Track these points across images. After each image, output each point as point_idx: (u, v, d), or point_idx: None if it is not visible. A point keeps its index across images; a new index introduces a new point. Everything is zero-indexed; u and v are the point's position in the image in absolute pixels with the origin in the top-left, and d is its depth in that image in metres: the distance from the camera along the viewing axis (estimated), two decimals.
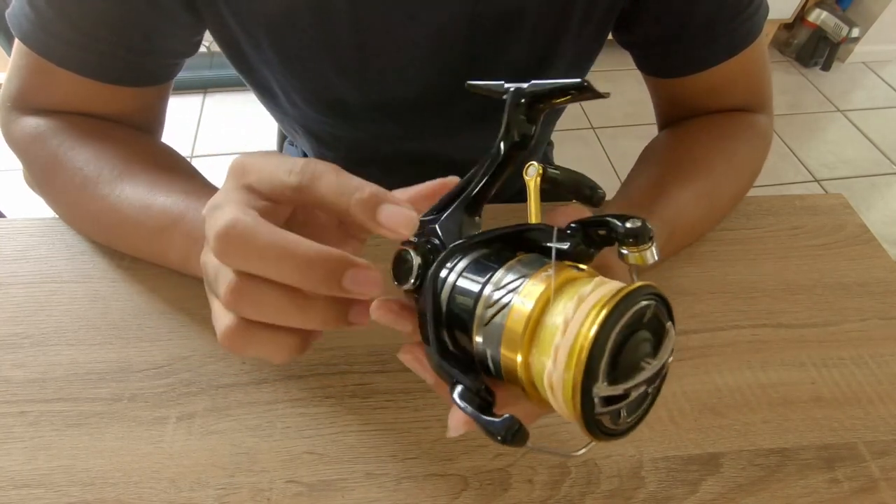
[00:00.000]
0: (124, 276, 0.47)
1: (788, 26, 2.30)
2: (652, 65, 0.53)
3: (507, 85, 0.24)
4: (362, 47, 0.46)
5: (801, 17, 2.21)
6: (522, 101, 0.23)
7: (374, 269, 0.22)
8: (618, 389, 0.18)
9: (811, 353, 0.46)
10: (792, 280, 0.51)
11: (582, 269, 0.21)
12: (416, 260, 0.23)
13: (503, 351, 0.20)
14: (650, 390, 0.20)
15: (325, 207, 0.23)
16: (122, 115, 0.46)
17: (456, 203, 0.24)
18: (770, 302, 0.49)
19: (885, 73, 2.26)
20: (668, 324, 0.19)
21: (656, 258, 0.21)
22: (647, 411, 0.21)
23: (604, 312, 0.17)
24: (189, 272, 0.40)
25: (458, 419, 0.22)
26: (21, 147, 0.45)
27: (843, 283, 0.51)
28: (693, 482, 0.38)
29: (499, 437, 0.20)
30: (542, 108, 0.23)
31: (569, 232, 0.22)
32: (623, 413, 0.19)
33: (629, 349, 0.18)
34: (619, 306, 0.17)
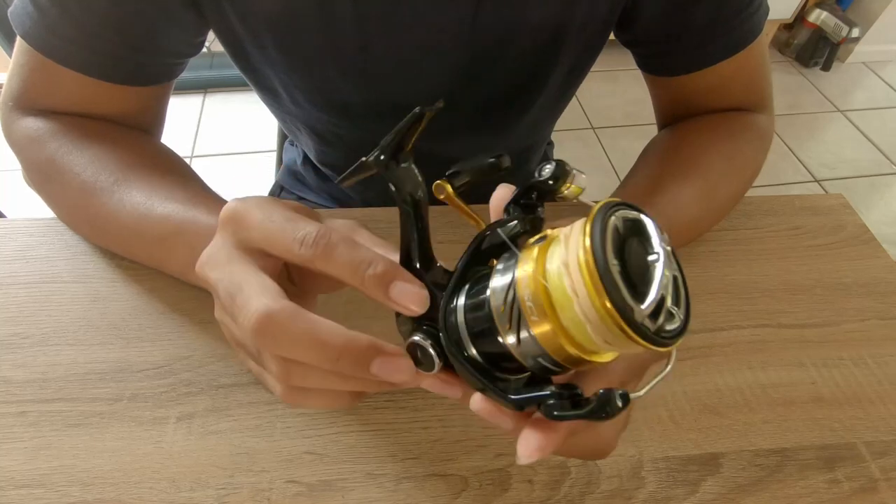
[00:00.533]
0: (124, 276, 0.47)
1: (788, 26, 2.30)
2: (652, 63, 0.53)
3: (370, 158, 0.23)
4: (366, 48, 0.46)
5: (801, 17, 2.21)
6: (391, 162, 0.23)
7: (403, 356, 0.23)
8: (648, 298, 0.17)
9: (811, 353, 0.46)
10: (792, 280, 0.51)
11: (545, 235, 0.20)
12: (427, 342, 0.23)
13: (536, 334, 0.19)
14: (675, 274, 0.19)
15: (338, 278, 0.23)
16: (124, 115, 0.46)
17: (416, 271, 0.24)
18: (770, 302, 0.49)
19: (885, 74, 2.26)
20: (643, 216, 0.19)
21: (584, 180, 0.21)
22: (686, 290, 0.20)
23: (587, 230, 0.17)
24: (189, 281, 0.40)
25: (533, 443, 0.21)
26: (20, 148, 0.45)
27: (843, 283, 0.51)
28: (693, 482, 0.38)
29: (610, 414, 0.19)
30: (406, 154, 0.23)
31: (508, 217, 0.23)
32: (672, 308, 0.18)
33: (632, 260, 0.17)
34: (595, 223, 0.17)
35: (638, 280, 0.17)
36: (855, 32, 2.12)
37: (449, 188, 0.24)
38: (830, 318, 0.48)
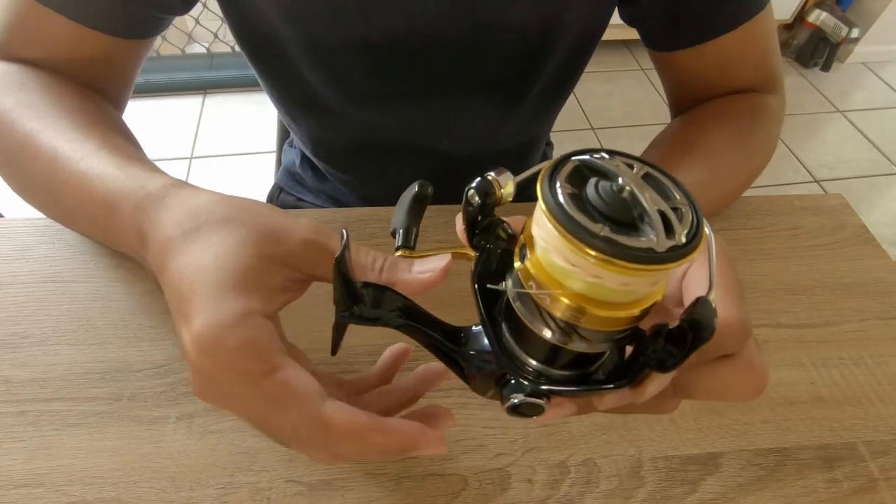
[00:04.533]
0: (124, 276, 0.47)
1: (788, 27, 2.30)
2: (659, 37, 0.52)
3: (339, 321, 0.24)
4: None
5: (800, 17, 2.21)
6: (353, 310, 0.23)
7: (439, 440, 0.22)
8: (640, 222, 0.17)
9: (811, 353, 0.46)
10: (792, 280, 0.51)
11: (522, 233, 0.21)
12: (519, 396, 0.22)
13: (559, 315, 0.19)
14: (649, 171, 0.19)
15: None
16: (101, 70, 0.44)
17: (455, 351, 0.24)
18: (770, 302, 0.49)
19: (884, 74, 2.26)
20: (599, 155, 0.19)
21: (512, 184, 0.21)
22: (675, 182, 0.19)
23: (540, 204, 0.17)
24: (136, 259, 0.36)
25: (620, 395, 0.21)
26: None
27: (843, 283, 0.51)
28: (693, 482, 0.38)
29: (709, 328, 0.18)
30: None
31: (479, 253, 0.22)
32: (673, 223, 0.17)
33: (607, 201, 0.17)
34: (544, 186, 0.17)
35: (621, 214, 0.17)
36: (854, 33, 2.12)
37: (408, 252, 0.24)
38: (830, 318, 0.48)
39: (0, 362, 0.41)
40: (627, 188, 0.17)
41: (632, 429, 0.40)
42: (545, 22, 0.48)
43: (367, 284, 0.23)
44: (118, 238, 0.29)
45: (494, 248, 0.21)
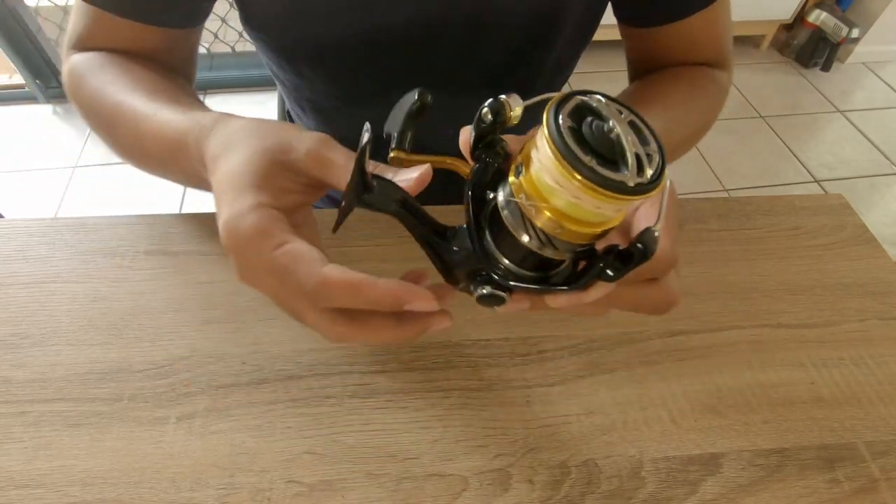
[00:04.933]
0: (124, 275, 0.47)
1: (788, 27, 2.30)
2: (635, 15, 0.54)
3: (344, 201, 0.25)
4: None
5: (800, 17, 2.21)
6: (363, 196, 0.25)
7: (428, 296, 0.25)
8: (620, 160, 0.20)
9: (811, 353, 0.46)
10: (792, 280, 0.51)
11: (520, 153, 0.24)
12: (487, 287, 0.25)
13: (541, 225, 0.22)
14: (633, 119, 0.22)
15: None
16: (155, 55, 0.48)
17: (440, 245, 0.27)
18: (770, 302, 0.49)
19: (884, 74, 2.26)
20: (587, 98, 0.22)
21: (520, 106, 0.24)
22: (649, 127, 0.22)
23: (544, 130, 0.20)
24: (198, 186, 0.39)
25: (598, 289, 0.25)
26: (65, 77, 0.48)
27: (843, 283, 0.51)
28: (693, 482, 0.38)
29: (651, 250, 0.22)
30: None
31: (480, 162, 0.25)
32: (647, 153, 0.21)
33: (596, 137, 0.20)
34: (549, 122, 0.20)
35: (606, 150, 0.20)
36: (855, 33, 2.12)
37: (403, 154, 0.26)
38: (830, 318, 0.48)
39: (0, 363, 0.41)
40: (615, 130, 0.20)
41: (632, 429, 0.40)
42: (551, 6, 0.49)
43: (376, 177, 0.25)
44: (191, 169, 0.34)
45: (493, 161, 0.25)
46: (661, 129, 0.40)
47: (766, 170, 1.84)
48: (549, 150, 0.20)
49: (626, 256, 0.23)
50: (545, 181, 0.21)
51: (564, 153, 0.20)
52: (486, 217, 0.25)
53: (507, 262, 0.25)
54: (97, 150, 1.77)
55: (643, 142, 0.21)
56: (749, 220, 0.55)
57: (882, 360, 0.46)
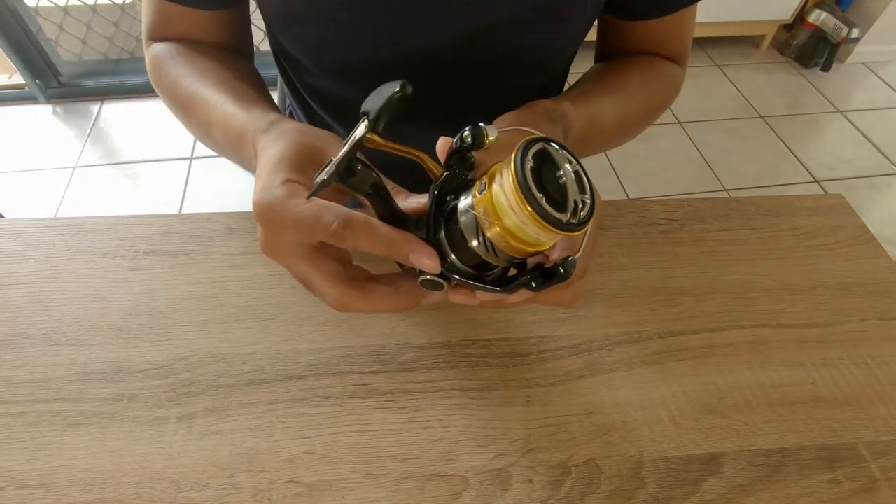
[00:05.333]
0: (124, 276, 0.47)
1: (788, 27, 2.30)
2: (620, 7, 0.54)
3: (325, 174, 0.28)
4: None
5: (800, 17, 2.21)
6: (345, 178, 0.28)
7: (431, 253, 0.28)
8: (567, 206, 0.25)
9: (811, 353, 0.46)
10: (792, 280, 0.51)
11: (486, 171, 0.28)
12: (433, 276, 0.29)
13: (490, 236, 0.27)
14: (577, 170, 0.27)
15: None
16: (213, 37, 0.52)
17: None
18: (770, 302, 0.49)
19: (884, 74, 2.26)
20: (548, 145, 0.26)
21: (495, 134, 0.27)
22: (588, 178, 0.27)
23: (511, 165, 0.25)
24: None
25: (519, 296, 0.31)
26: (149, 70, 0.52)
27: (843, 283, 0.51)
28: (693, 482, 0.38)
29: (569, 273, 0.27)
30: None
31: (452, 169, 0.29)
32: (582, 200, 0.26)
33: (548, 180, 0.25)
34: (516, 159, 0.25)
35: (555, 193, 0.25)
36: (855, 33, 2.12)
37: (377, 138, 0.28)
38: (830, 318, 0.48)
39: (0, 363, 0.41)
40: (563, 179, 0.26)
41: (632, 429, 0.40)
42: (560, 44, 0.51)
43: (359, 160, 0.29)
44: (247, 158, 0.38)
45: (460, 172, 0.29)
46: (617, 107, 0.48)
47: (766, 170, 1.84)
48: (511, 181, 0.25)
49: (549, 274, 0.28)
50: (502, 203, 0.25)
51: (523, 187, 0.24)
52: (444, 215, 0.29)
53: (453, 257, 0.29)
54: (97, 150, 1.77)
55: (582, 190, 0.26)
56: (749, 220, 0.55)
57: (882, 360, 0.46)
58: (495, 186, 0.26)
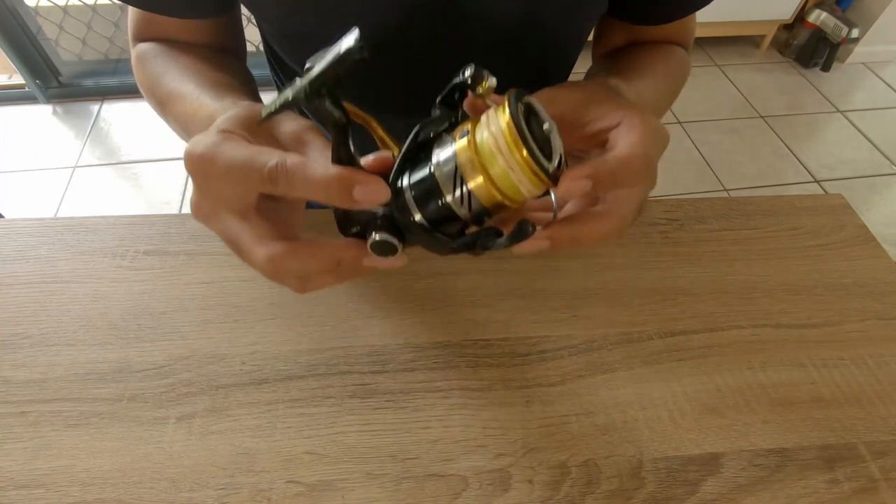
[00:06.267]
0: (124, 276, 0.47)
1: (788, 27, 2.30)
2: (633, 14, 0.54)
3: (291, 93, 0.25)
4: None
5: (800, 17, 2.21)
6: (317, 96, 0.25)
7: (377, 179, 0.25)
8: (554, 155, 0.26)
9: (811, 353, 0.46)
10: (792, 280, 0.51)
11: (469, 122, 0.27)
12: (385, 234, 0.27)
13: (473, 187, 0.25)
14: (561, 153, 0.27)
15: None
16: (208, 38, 0.51)
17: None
18: (770, 302, 0.49)
19: (884, 74, 2.26)
20: (533, 99, 0.26)
21: (494, 80, 0.27)
22: (560, 136, 0.27)
23: (506, 108, 0.25)
24: None
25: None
26: (133, 66, 0.52)
27: (843, 283, 0.51)
28: (693, 482, 0.38)
29: (523, 237, 0.27)
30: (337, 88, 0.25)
31: (437, 115, 0.28)
32: (561, 161, 0.26)
33: (534, 129, 0.25)
34: (511, 103, 0.25)
35: (542, 143, 0.25)
36: (855, 33, 2.12)
37: (350, 107, 0.27)
38: (830, 318, 0.48)
39: (0, 363, 0.41)
40: (548, 131, 0.26)
41: (632, 429, 0.40)
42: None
43: (331, 93, 0.26)
44: None
45: (445, 118, 0.28)
46: (655, 96, 0.45)
47: (766, 170, 1.84)
48: (505, 125, 0.24)
49: (499, 234, 0.27)
50: (489, 148, 0.25)
51: (519, 130, 0.24)
52: (413, 163, 0.27)
53: (414, 205, 0.27)
54: (97, 149, 1.77)
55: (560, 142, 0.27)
56: (749, 220, 0.55)
57: (882, 360, 0.46)
58: (482, 132, 0.25)
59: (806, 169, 1.86)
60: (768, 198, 0.57)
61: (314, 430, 0.39)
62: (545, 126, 0.26)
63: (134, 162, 1.73)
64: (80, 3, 1.78)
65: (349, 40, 0.24)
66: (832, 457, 0.40)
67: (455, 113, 0.29)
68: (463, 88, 0.28)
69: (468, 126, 0.26)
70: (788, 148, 1.93)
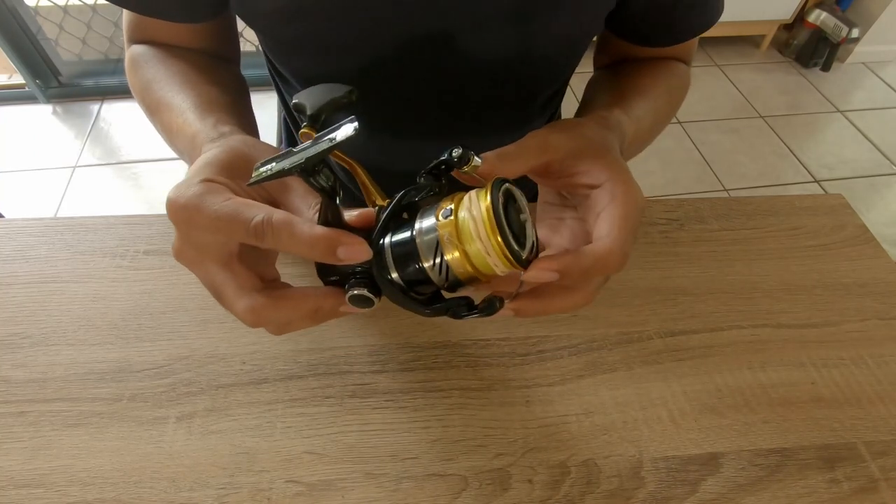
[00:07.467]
0: (124, 275, 0.47)
1: (788, 27, 2.30)
2: (638, 35, 0.54)
3: (287, 165, 0.26)
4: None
5: (800, 17, 2.21)
6: (310, 174, 0.27)
7: (360, 241, 0.26)
8: (526, 243, 0.27)
9: (811, 353, 0.46)
10: (792, 280, 0.51)
11: (454, 196, 0.28)
12: (364, 290, 0.28)
13: (449, 259, 0.27)
14: (535, 240, 0.29)
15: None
16: (202, 42, 0.51)
17: None
18: (770, 302, 0.49)
19: (884, 74, 2.26)
20: (513, 188, 0.28)
21: (480, 160, 0.29)
22: (534, 228, 0.29)
23: (488, 195, 0.26)
24: None
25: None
26: (126, 69, 0.51)
27: (843, 283, 0.51)
28: (693, 482, 0.38)
29: (491, 312, 0.29)
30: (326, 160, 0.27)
31: (422, 183, 0.30)
32: (533, 248, 0.28)
33: (511, 216, 0.27)
34: (493, 190, 0.27)
35: (518, 231, 0.27)
36: (855, 33, 2.12)
37: (314, 133, 0.28)
38: (830, 318, 0.48)
39: (0, 363, 0.41)
40: (524, 219, 0.28)
41: (632, 429, 0.40)
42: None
43: (327, 162, 0.27)
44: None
45: (430, 189, 0.30)
46: (651, 109, 0.48)
47: (766, 170, 1.84)
48: (485, 212, 0.26)
49: (472, 306, 0.29)
50: (468, 230, 0.26)
51: (498, 220, 0.26)
52: (396, 226, 0.29)
53: (393, 265, 0.28)
54: (97, 149, 1.77)
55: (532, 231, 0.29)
56: (749, 220, 0.55)
57: (882, 360, 0.46)
58: (464, 213, 0.27)
59: (806, 169, 1.86)
60: (768, 198, 0.57)
61: (314, 430, 0.39)
62: (522, 216, 0.28)
63: (134, 162, 1.73)
64: (80, 3, 1.78)
65: (348, 129, 0.26)
66: (832, 457, 0.40)
67: (439, 182, 0.30)
68: (449, 165, 0.29)
69: (452, 204, 0.28)
70: (788, 148, 1.93)
